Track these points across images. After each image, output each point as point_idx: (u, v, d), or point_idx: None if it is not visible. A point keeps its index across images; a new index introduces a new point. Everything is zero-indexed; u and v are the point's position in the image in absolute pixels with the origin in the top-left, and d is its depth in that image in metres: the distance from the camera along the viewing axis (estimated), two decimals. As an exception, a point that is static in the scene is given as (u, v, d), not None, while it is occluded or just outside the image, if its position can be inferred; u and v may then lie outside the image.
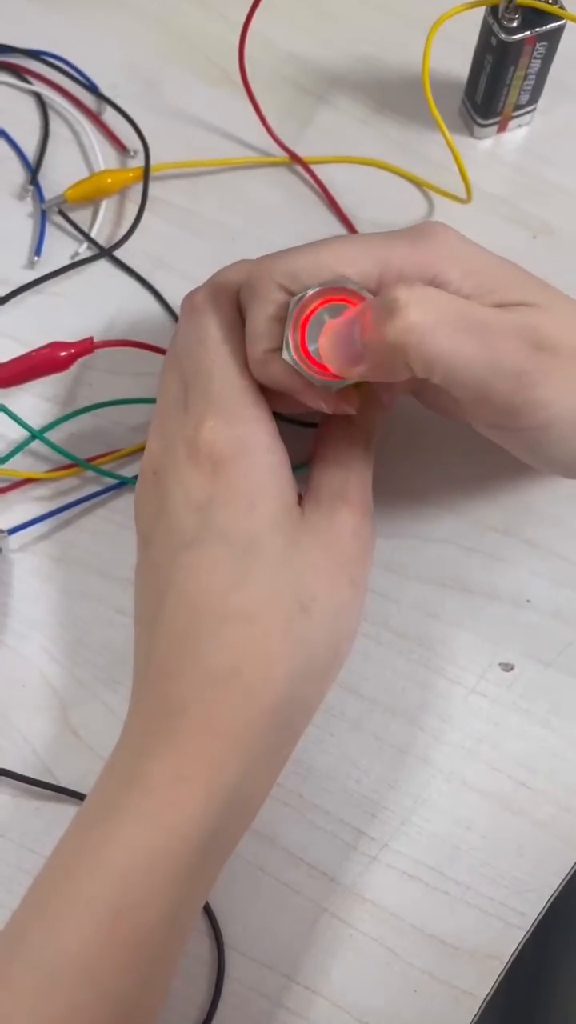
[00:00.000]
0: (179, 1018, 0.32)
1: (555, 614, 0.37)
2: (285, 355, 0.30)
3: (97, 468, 0.38)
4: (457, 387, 0.29)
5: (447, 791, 0.35)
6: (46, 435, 0.38)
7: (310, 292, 0.30)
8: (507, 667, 0.36)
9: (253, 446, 0.31)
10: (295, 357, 0.30)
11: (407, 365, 0.28)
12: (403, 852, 0.34)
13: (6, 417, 0.37)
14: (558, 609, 0.37)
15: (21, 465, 0.39)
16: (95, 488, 0.38)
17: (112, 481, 0.38)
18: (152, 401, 0.35)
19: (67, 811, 0.34)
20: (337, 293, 0.30)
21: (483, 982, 0.33)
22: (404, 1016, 0.33)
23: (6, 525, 0.37)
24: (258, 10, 0.40)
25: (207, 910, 0.33)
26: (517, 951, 0.33)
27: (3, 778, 0.35)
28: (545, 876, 0.34)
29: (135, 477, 0.38)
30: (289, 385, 0.31)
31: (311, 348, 0.30)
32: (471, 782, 0.35)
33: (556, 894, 0.34)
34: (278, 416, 0.33)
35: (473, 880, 0.34)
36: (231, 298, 0.33)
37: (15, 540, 0.38)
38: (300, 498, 0.33)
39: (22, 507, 0.38)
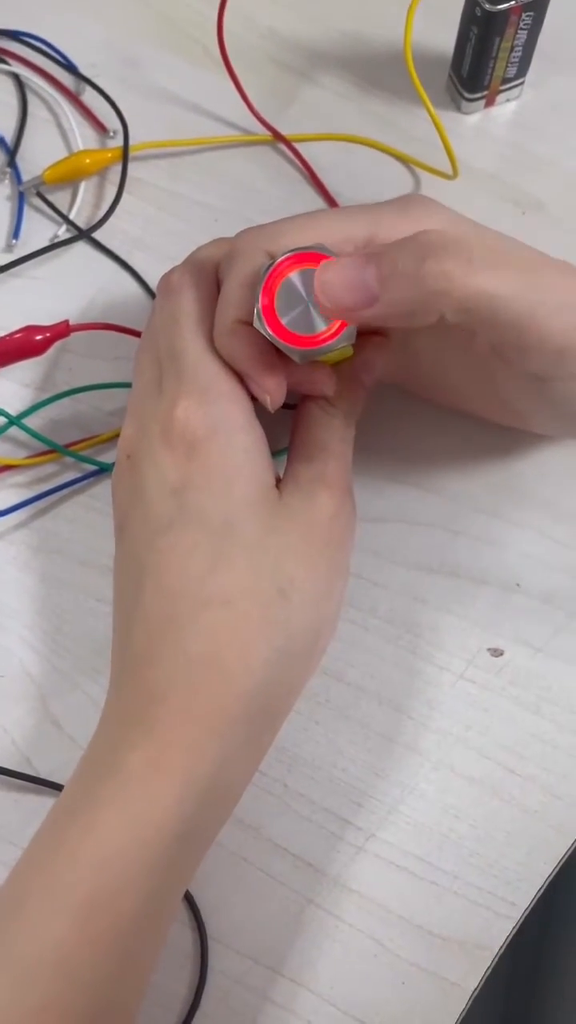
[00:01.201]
0: (162, 1011, 0.32)
1: (545, 598, 0.36)
2: (256, 324, 0.29)
3: (75, 454, 0.37)
4: (500, 329, 0.28)
5: (435, 779, 0.34)
6: (24, 421, 0.37)
7: (281, 257, 0.29)
8: (496, 652, 0.36)
9: (228, 426, 0.30)
10: (264, 322, 0.29)
11: (439, 310, 0.27)
12: (390, 842, 0.34)
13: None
14: (548, 593, 0.36)
15: (-1, 452, 0.38)
16: (74, 475, 0.37)
17: (91, 467, 0.37)
18: (130, 385, 0.34)
19: (47, 803, 0.33)
20: (309, 258, 0.29)
21: (472, 973, 0.32)
22: (392, 1008, 0.32)
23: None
24: (238, -15, 0.39)
25: (190, 902, 0.33)
26: (507, 942, 0.33)
27: (-18, 770, 0.34)
28: (536, 865, 0.33)
29: (113, 463, 0.37)
30: (245, 364, 0.30)
31: (284, 320, 0.29)
32: (460, 770, 0.34)
33: (547, 884, 0.33)
34: (256, 401, 0.32)
35: (462, 870, 0.33)
36: (209, 276, 0.32)
37: (-7, 528, 0.37)
38: (279, 481, 0.32)
39: (1, 494, 0.37)
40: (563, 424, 0.34)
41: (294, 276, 0.29)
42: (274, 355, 0.30)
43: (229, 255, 0.31)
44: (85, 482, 0.38)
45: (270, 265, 0.29)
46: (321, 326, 0.29)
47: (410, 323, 0.28)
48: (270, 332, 0.29)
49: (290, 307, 0.29)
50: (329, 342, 0.29)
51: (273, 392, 0.30)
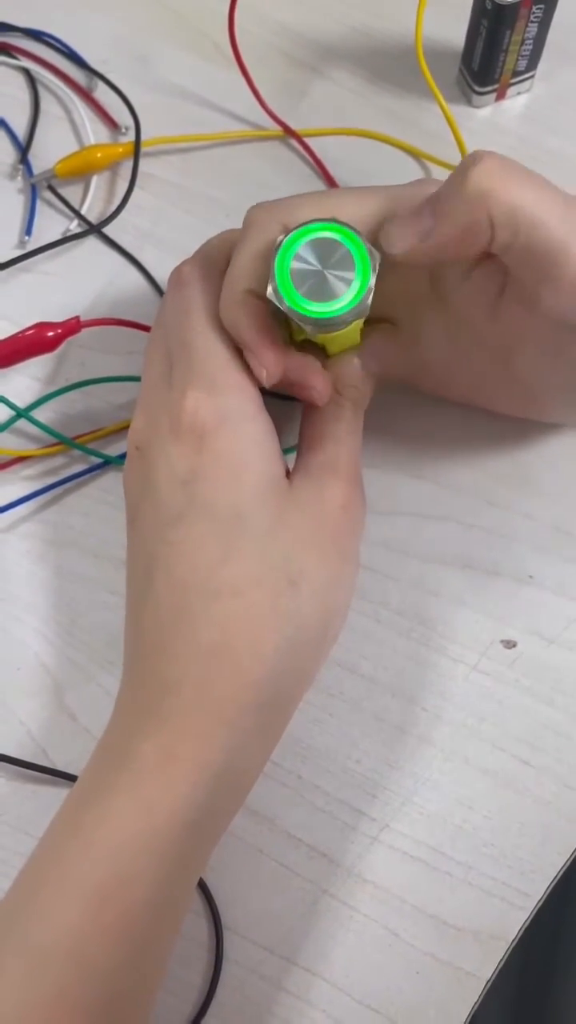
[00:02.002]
0: (178, 1001, 0.32)
1: (558, 590, 0.36)
2: (270, 294, 0.29)
3: (81, 446, 0.37)
4: (537, 252, 0.28)
5: (448, 770, 0.34)
6: (32, 414, 0.37)
7: (296, 227, 0.29)
8: (509, 644, 0.36)
9: (237, 417, 0.30)
10: (279, 291, 0.29)
11: (489, 219, 0.28)
12: (404, 833, 0.34)
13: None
14: (561, 585, 0.36)
15: (9, 445, 0.38)
16: (83, 467, 0.38)
17: (98, 460, 0.37)
18: (140, 378, 0.34)
19: (62, 794, 0.33)
20: (325, 229, 0.29)
21: (487, 963, 0.32)
22: (407, 998, 0.32)
23: (-6, 506, 0.37)
24: (248, -20, 0.39)
25: (205, 892, 0.33)
26: (521, 932, 0.33)
27: (-2, 761, 0.34)
28: (549, 856, 0.33)
29: (120, 456, 0.38)
30: (248, 335, 0.30)
31: (300, 291, 0.29)
32: (473, 761, 0.34)
33: (560, 874, 0.33)
34: (267, 392, 0.32)
35: (475, 860, 0.33)
36: (219, 268, 0.32)
37: (1, 521, 0.37)
38: (288, 473, 0.32)
39: (11, 487, 0.38)
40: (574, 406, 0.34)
41: (307, 247, 0.29)
42: (277, 332, 0.30)
43: (243, 228, 0.31)
44: (96, 475, 0.38)
45: (284, 237, 0.29)
46: (336, 295, 0.29)
47: (464, 249, 0.29)
48: (285, 303, 0.29)
49: (304, 278, 0.29)
50: (344, 312, 0.29)
51: (270, 366, 0.30)
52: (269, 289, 0.29)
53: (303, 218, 0.29)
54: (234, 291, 0.30)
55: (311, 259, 0.29)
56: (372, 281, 0.29)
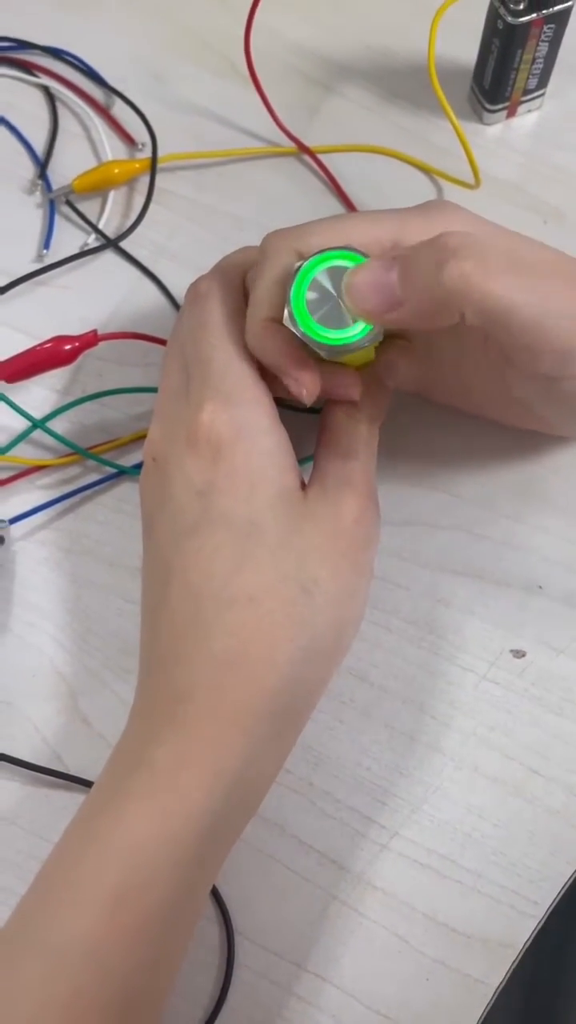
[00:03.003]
0: (189, 1005, 0.32)
1: (567, 600, 0.37)
2: (286, 319, 0.30)
3: (95, 456, 0.38)
4: (512, 332, 0.29)
5: (458, 779, 0.35)
6: (49, 424, 0.38)
7: (310, 256, 0.30)
8: (519, 654, 0.36)
9: (252, 429, 0.31)
10: (295, 319, 0.30)
11: (459, 310, 0.28)
12: (414, 840, 0.34)
13: (10, 408, 0.37)
14: (570, 595, 0.37)
15: (26, 455, 0.39)
16: (98, 477, 0.38)
17: (111, 470, 0.38)
18: (155, 390, 0.35)
19: (77, 799, 0.34)
20: (339, 257, 0.30)
21: (496, 970, 0.33)
22: (416, 1004, 0.32)
23: (9, 515, 0.37)
24: (263, 1, 0.40)
25: (217, 897, 0.33)
26: (531, 939, 0.33)
27: (13, 766, 0.35)
28: (558, 864, 0.33)
29: (134, 466, 0.38)
30: (280, 360, 0.31)
31: (314, 318, 0.30)
32: (483, 769, 0.35)
33: (569, 883, 0.33)
34: (282, 404, 0.33)
35: (485, 868, 0.34)
36: (236, 284, 0.33)
37: (19, 529, 0.38)
38: (304, 485, 0.33)
39: (28, 496, 0.38)
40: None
41: (323, 274, 0.30)
42: (305, 351, 0.31)
43: (260, 253, 0.31)
44: (111, 484, 0.38)
45: (300, 264, 0.30)
46: (350, 323, 0.30)
47: (432, 324, 0.29)
48: (300, 329, 0.30)
49: (320, 305, 0.30)
50: (358, 339, 0.30)
51: (310, 386, 0.31)
52: (285, 316, 0.30)
53: (317, 245, 0.30)
54: (257, 320, 0.31)
55: (327, 286, 0.30)
56: None
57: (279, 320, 0.31)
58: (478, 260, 0.28)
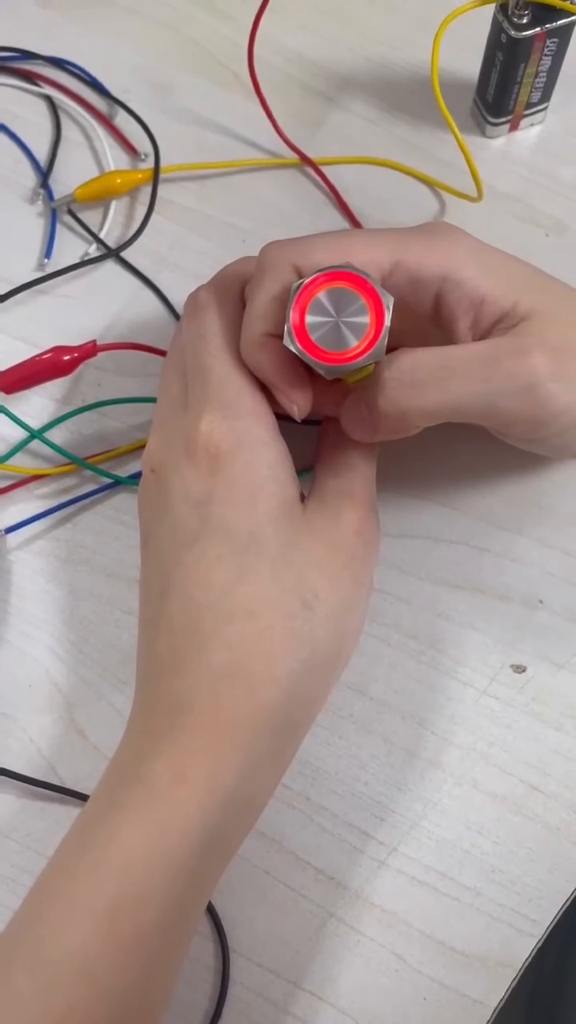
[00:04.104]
0: (183, 1023, 0.32)
1: (568, 615, 0.36)
2: (286, 339, 0.30)
3: (92, 467, 0.38)
4: (475, 420, 0.31)
5: (458, 795, 0.34)
6: (46, 434, 0.38)
7: (312, 275, 0.29)
8: (519, 669, 0.36)
9: (252, 441, 0.31)
10: (295, 338, 0.30)
11: (415, 427, 0.31)
12: (412, 857, 0.34)
13: (8, 418, 0.37)
14: (571, 610, 0.36)
15: (24, 464, 0.39)
16: (95, 487, 0.38)
17: (109, 480, 0.38)
18: (154, 400, 0.35)
19: (72, 812, 0.34)
20: (339, 276, 0.30)
21: (494, 991, 0.32)
22: (413, 1025, 0.32)
23: (5, 524, 0.37)
24: (267, 13, 0.40)
25: (212, 914, 0.33)
26: (529, 959, 0.32)
27: (8, 779, 0.34)
28: (558, 882, 0.33)
29: (131, 476, 0.38)
30: (274, 376, 0.31)
31: (313, 336, 0.30)
32: (482, 785, 0.34)
33: (569, 901, 0.33)
34: (281, 416, 0.33)
35: (484, 886, 0.33)
36: (235, 294, 0.33)
37: (15, 539, 0.38)
38: (304, 497, 0.32)
39: (26, 506, 0.38)
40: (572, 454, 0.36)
41: (324, 295, 0.30)
42: (301, 368, 0.31)
43: (259, 267, 0.31)
44: (109, 495, 0.38)
45: (300, 283, 0.29)
46: (350, 343, 0.30)
47: (409, 433, 0.32)
48: (300, 348, 0.30)
49: (319, 325, 0.30)
50: (358, 359, 0.30)
51: (301, 403, 0.31)
52: (284, 335, 0.30)
53: (317, 261, 0.30)
54: (253, 335, 0.31)
55: (327, 307, 0.30)
56: (387, 326, 0.29)
57: (275, 335, 0.30)
58: (403, 385, 0.30)
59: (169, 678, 0.29)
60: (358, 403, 0.31)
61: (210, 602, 0.29)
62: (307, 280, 0.29)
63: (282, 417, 0.33)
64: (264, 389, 0.32)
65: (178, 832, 0.27)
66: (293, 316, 0.30)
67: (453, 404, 0.30)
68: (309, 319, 0.30)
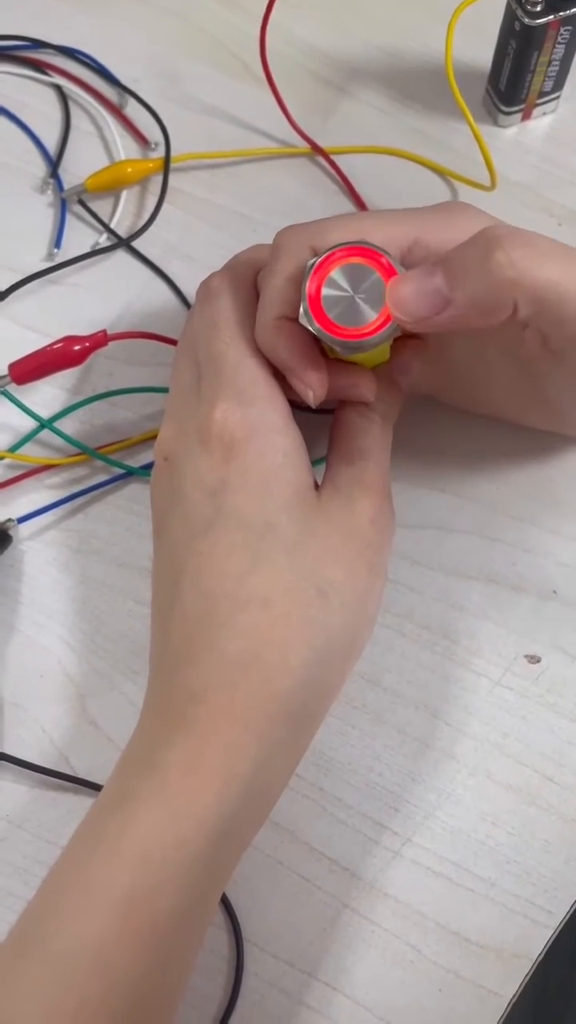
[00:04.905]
0: (197, 1014, 0.32)
1: (582, 605, 0.36)
2: (302, 317, 0.29)
3: (102, 456, 0.37)
4: (565, 320, 0.28)
5: (472, 785, 0.34)
6: (56, 424, 0.38)
7: (326, 251, 0.29)
8: (533, 659, 0.36)
9: (266, 428, 0.30)
10: (311, 316, 0.29)
11: (513, 300, 0.27)
12: (427, 847, 0.33)
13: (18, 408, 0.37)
14: (585, 600, 0.36)
15: (34, 454, 0.38)
16: (106, 477, 0.38)
17: (120, 470, 0.38)
18: (165, 390, 0.34)
19: (84, 802, 0.34)
20: (355, 252, 0.29)
21: (510, 981, 0.32)
22: (428, 1015, 0.32)
23: (17, 514, 0.37)
24: (278, 2, 0.40)
25: (226, 904, 0.33)
26: (545, 950, 0.32)
27: (20, 768, 0.34)
28: (573, 873, 0.33)
29: (142, 467, 0.38)
30: (289, 359, 0.30)
31: (330, 314, 0.29)
32: (497, 776, 0.34)
33: (585, 892, 0.33)
34: (294, 405, 0.32)
35: (499, 877, 0.33)
36: (248, 281, 0.33)
37: (27, 529, 0.37)
38: (317, 486, 0.32)
39: (37, 496, 0.38)
40: None
41: (340, 270, 0.29)
42: (317, 351, 0.31)
43: (273, 251, 0.31)
44: (119, 484, 0.38)
45: (316, 260, 0.29)
46: (367, 320, 0.29)
47: (484, 320, 0.28)
48: (317, 325, 0.29)
49: (336, 302, 0.29)
50: (376, 334, 0.29)
51: (316, 387, 0.31)
52: (300, 313, 0.30)
53: (333, 241, 0.30)
54: (268, 317, 0.30)
55: (342, 283, 0.29)
56: None
57: (291, 318, 0.30)
58: (527, 247, 0.27)
59: (183, 667, 0.29)
60: (432, 272, 0.28)
61: (224, 591, 0.29)
62: (322, 257, 0.29)
63: (295, 405, 0.32)
64: (278, 376, 0.32)
65: (193, 822, 0.27)
66: (309, 293, 0.29)
67: (564, 287, 0.27)
68: (325, 296, 0.29)
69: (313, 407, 0.31)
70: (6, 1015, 0.25)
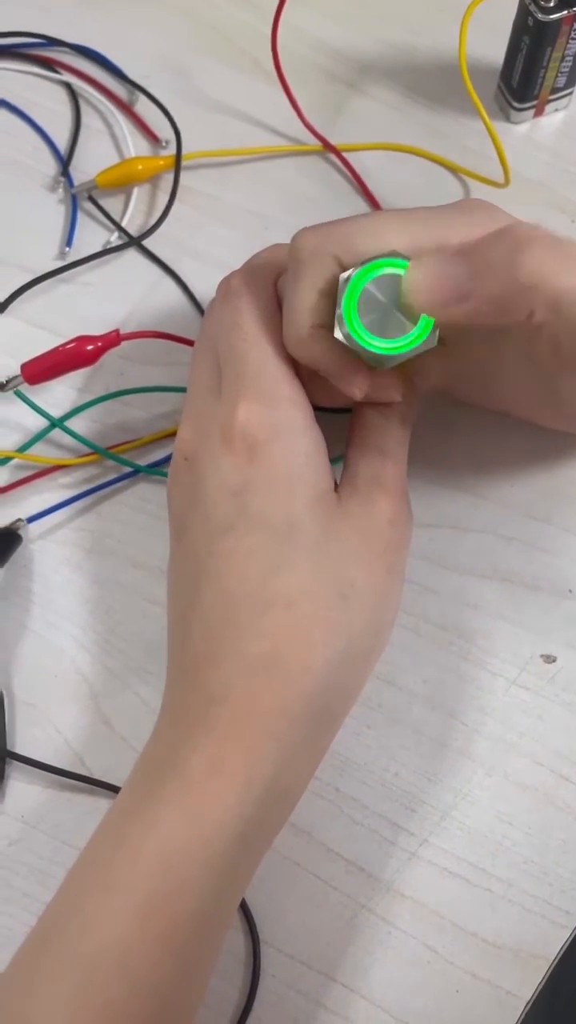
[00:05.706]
0: (215, 1015, 0.32)
1: (598, 605, 0.36)
2: (338, 333, 0.29)
3: (113, 456, 0.37)
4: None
5: (488, 785, 0.34)
6: (67, 423, 0.37)
7: (360, 266, 0.29)
8: (549, 659, 0.35)
9: (289, 429, 0.30)
10: (347, 329, 0.29)
11: (530, 306, 0.27)
12: (443, 848, 0.33)
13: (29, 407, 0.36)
14: (601, 599, 0.36)
15: (46, 454, 0.38)
16: (116, 476, 0.38)
17: (127, 469, 0.37)
18: (178, 389, 0.34)
19: (99, 803, 0.34)
20: (387, 264, 0.29)
21: (527, 982, 0.32)
22: (446, 1017, 0.32)
23: (28, 513, 0.37)
24: (289, -2, 0.39)
25: (243, 906, 0.32)
26: (563, 951, 0.32)
27: (35, 769, 0.34)
28: (591, 873, 0.33)
29: (151, 465, 0.38)
30: (331, 366, 0.30)
31: (365, 326, 0.29)
32: (513, 776, 0.34)
33: (603, 892, 0.33)
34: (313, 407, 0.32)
35: (516, 877, 0.33)
36: (268, 282, 0.33)
37: (37, 529, 0.37)
38: (336, 485, 0.32)
39: (49, 495, 0.38)
40: None
41: (372, 284, 0.29)
42: (350, 356, 0.30)
43: (297, 258, 0.30)
44: (134, 484, 0.38)
45: (350, 275, 0.29)
46: (400, 332, 0.29)
47: (500, 319, 0.28)
48: (354, 341, 0.29)
49: (369, 314, 0.29)
50: (410, 348, 0.29)
51: (363, 387, 0.30)
52: (338, 331, 0.29)
53: (359, 250, 0.29)
54: (303, 327, 0.30)
55: (377, 296, 0.29)
56: None
57: (325, 327, 0.30)
58: (556, 251, 0.27)
59: (204, 669, 0.29)
60: (454, 261, 0.27)
61: (246, 592, 0.29)
62: (355, 271, 0.29)
63: (314, 406, 0.32)
64: (300, 377, 0.31)
65: (215, 824, 0.27)
66: (343, 307, 0.29)
67: None
68: (360, 309, 0.29)
69: (359, 400, 0.31)
70: (29, 1016, 0.25)
